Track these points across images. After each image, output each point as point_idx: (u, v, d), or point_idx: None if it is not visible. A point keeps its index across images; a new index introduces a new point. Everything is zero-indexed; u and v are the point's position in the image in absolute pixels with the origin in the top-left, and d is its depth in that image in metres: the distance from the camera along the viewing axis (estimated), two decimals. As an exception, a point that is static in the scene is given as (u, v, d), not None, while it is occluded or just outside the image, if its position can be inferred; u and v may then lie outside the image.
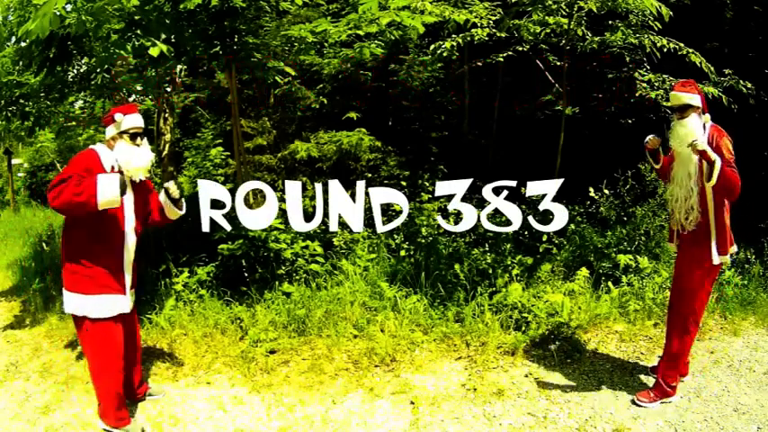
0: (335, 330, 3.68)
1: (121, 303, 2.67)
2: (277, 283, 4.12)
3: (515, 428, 2.77)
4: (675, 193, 2.92)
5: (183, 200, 2.93)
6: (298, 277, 4.19)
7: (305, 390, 3.16)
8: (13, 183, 11.09)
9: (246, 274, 4.14)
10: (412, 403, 2.99)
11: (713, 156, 2.64)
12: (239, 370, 3.36)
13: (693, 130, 2.72)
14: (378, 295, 4.02)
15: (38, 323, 4.20)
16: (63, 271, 2.65)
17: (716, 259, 2.82)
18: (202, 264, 4.33)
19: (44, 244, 5.81)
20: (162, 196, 2.89)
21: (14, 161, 11.51)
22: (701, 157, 2.69)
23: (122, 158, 2.62)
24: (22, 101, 4.66)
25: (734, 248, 2.91)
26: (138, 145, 2.67)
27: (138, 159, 2.65)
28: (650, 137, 3.02)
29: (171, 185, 2.85)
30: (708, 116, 2.81)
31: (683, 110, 2.81)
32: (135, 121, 2.68)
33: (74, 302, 2.61)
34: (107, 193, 2.40)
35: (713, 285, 3.03)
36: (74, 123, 5.54)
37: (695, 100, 2.78)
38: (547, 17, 4.77)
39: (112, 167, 2.60)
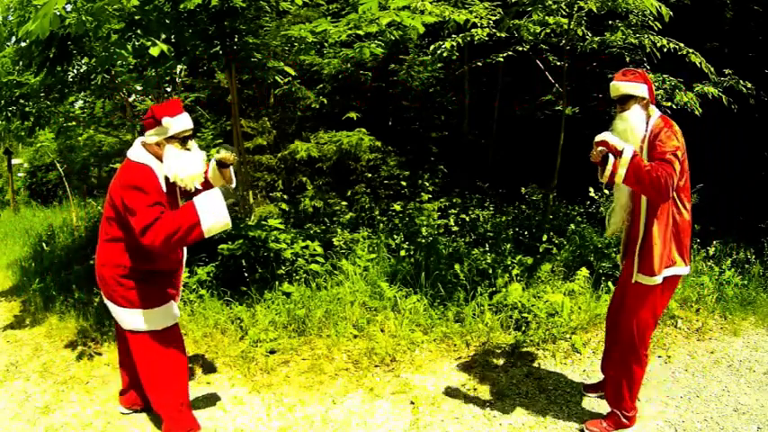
0: (335, 330, 3.68)
1: (176, 306, 2.59)
2: (277, 283, 4.11)
3: (515, 428, 2.76)
4: (618, 197, 2.61)
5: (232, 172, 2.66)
6: (298, 277, 4.19)
7: (305, 390, 3.16)
8: (13, 183, 11.09)
9: (246, 274, 4.14)
10: (412, 403, 2.99)
11: (620, 145, 2.33)
12: (239, 370, 3.36)
13: (634, 125, 2.42)
14: (378, 295, 4.02)
15: (38, 323, 4.20)
16: (113, 286, 2.45)
17: (633, 276, 2.47)
18: (202, 264, 4.32)
19: (44, 244, 5.81)
20: (211, 171, 2.61)
21: (14, 161, 11.50)
22: (605, 149, 2.39)
23: (175, 167, 2.34)
24: (22, 101, 4.66)
25: (674, 270, 2.46)
26: (189, 149, 2.40)
27: (192, 166, 2.37)
28: (594, 151, 2.51)
29: (228, 154, 2.55)
30: (654, 108, 2.50)
31: (624, 101, 2.48)
32: (185, 123, 2.39)
33: (137, 319, 2.43)
34: (212, 218, 2.19)
35: (660, 310, 2.57)
36: (74, 123, 5.55)
37: (638, 90, 2.45)
38: (547, 17, 4.77)
39: (166, 178, 2.38)
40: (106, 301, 2.56)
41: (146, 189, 2.28)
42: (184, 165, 2.36)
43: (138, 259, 2.43)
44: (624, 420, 2.65)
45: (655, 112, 2.48)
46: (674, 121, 2.45)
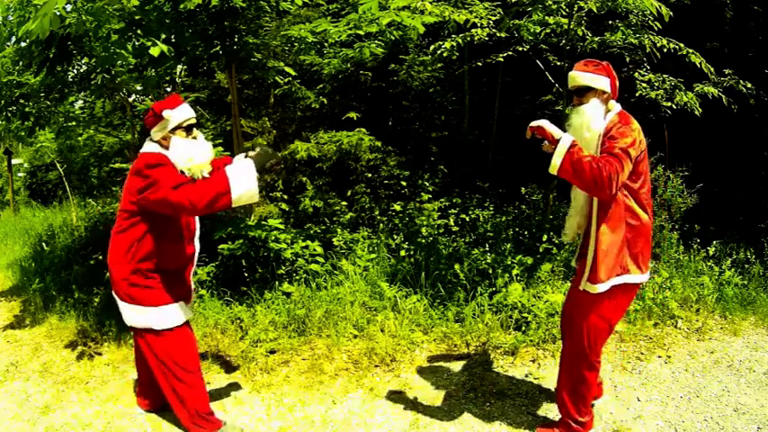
0: (335, 330, 3.68)
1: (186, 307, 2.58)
2: (277, 283, 4.12)
3: (515, 428, 2.76)
4: (575, 197, 2.47)
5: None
6: (298, 277, 4.19)
7: (305, 390, 3.16)
8: (13, 183, 11.09)
9: (246, 274, 4.14)
10: (412, 403, 2.99)
11: (557, 133, 2.17)
12: (239, 370, 3.36)
13: (590, 119, 2.23)
14: (378, 295, 4.02)
15: (38, 323, 4.20)
16: (119, 281, 2.43)
17: (582, 283, 2.32)
18: (202, 264, 4.32)
19: (44, 244, 5.81)
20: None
21: (14, 161, 11.50)
22: (542, 137, 2.25)
23: (183, 157, 2.34)
24: (22, 101, 4.66)
25: (625, 278, 2.29)
26: (195, 137, 2.42)
27: (200, 154, 2.37)
28: (544, 142, 2.35)
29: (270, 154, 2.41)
30: (615, 104, 2.32)
31: (582, 93, 2.30)
32: (186, 112, 2.41)
33: (138, 316, 2.43)
34: (242, 188, 2.17)
35: (614, 318, 2.42)
36: (74, 123, 5.55)
37: (598, 82, 2.26)
38: (547, 17, 4.77)
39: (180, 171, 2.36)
40: (114, 294, 2.54)
41: (167, 163, 2.31)
42: (192, 153, 2.35)
43: (147, 255, 2.41)
44: (576, 426, 2.55)
45: (615, 107, 2.31)
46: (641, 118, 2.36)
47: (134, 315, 2.46)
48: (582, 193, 2.37)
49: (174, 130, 2.38)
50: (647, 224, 2.32)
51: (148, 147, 2.42)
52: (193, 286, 2.67)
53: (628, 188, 2.26)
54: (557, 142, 2.17)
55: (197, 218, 2.60)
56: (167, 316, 2.46)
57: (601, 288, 2.27)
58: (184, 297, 2.58)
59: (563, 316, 2.64)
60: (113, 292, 2.53)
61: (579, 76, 2.30)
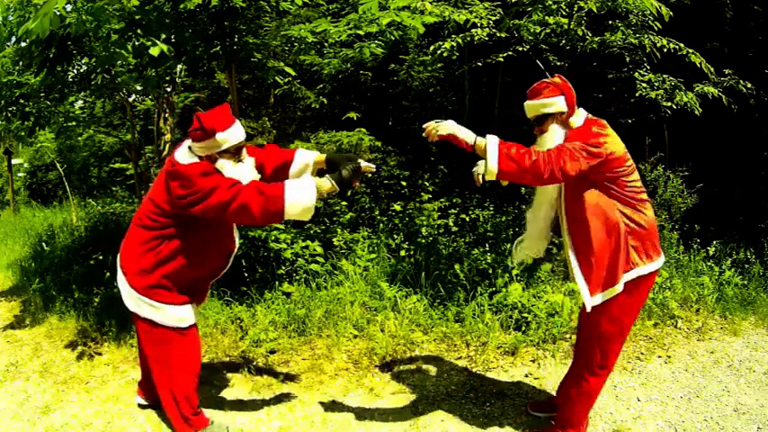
0: (335, 330, 3.68)
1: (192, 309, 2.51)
2: (277, 283, 4.12)
3: (515, 428, 2.76)
4: (534, 215, 2.41)
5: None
6: (298, 277, 4.19)
7: (305, 390, 3.16)
8: (13, 183, 11.09)
9: (246, 274, 4.14)
10: (412, 403, 2.99)
11: (470, 137, 2.09)
12: (239, 370, 3.36)
13: (552, 145, 2.15)
14: (378, 295, 4.02)
15: (38, 323, 4.20)
16: (137, 278, 2.33)
17: (588, 301, 2.19)
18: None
19: (44, 244, 5.81)
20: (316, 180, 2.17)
21: (14, 161, 11.50)
22: (451, 143, 2.14)
23: None
24: (22, 101, 4.66)
25: (637, 272, 2.19)
26: (242, 160, 2.25)
27: (246, 179, 2.19)
28: (428, 132, 2.22)
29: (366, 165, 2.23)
30: (577, 117, 2.21)
31: (541, 122, 2.23)
32: (239, 134, 2.21)
33: (174, 313, 2.38)
34: (299, 206, 2.02)
35: (629, 320, 2.32)
36: (74, 123, 5.55)
37: (553, 106, 2.18)
38: (547, 17, 4.77)
39: None
40: (121, 278, 2.43)
41: (213, 171, 2.16)
42: (240, 178, 2.18)
43: (171, 256, 2.30)
44: None
45: (577, 121, 2.20)
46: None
47: (151, 311, 2.38)
48: (547, 205, 2.32)
49: (221, 153, 2.20)
50: (649, 218, 2.23)
51: (183, 156, 2.21)
52: (208, 294, 2.60)
53: (614, 188, 2.15)
54: (471, 147, 2.10)
55: (236, 236, 2.48)
56: (182, 315, 2.42)
57: (614, 291, 2.18)
58: (197, 301, 2.56)
59: (579, 319, 2.57)
60: (120, 275, 2.42)
61: (532, 105, 2.24)
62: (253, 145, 2.61)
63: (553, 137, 2.19)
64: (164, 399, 2.58)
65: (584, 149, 2.04)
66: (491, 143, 2.07)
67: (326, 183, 2.12)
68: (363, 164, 2.26)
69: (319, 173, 2.41)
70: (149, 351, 2.51)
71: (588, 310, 2.21)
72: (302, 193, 2.06)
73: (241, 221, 2.22)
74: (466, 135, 2.14)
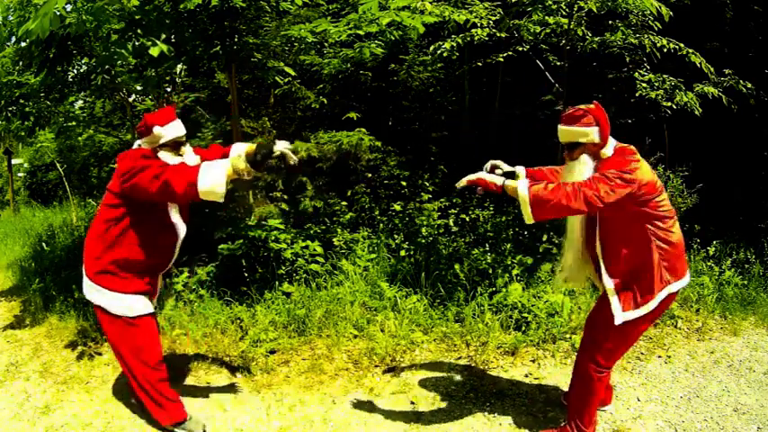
0: (335, 330, 3.68)
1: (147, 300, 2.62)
2: (277, 283, 4.12)
3: (515, 428, 2.76)
4: (570, 241, 2.44)
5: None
6: (298, 277, 4.19)
7: (305, 390, 3.16)
8: (13, 183, 11.09)
9: (246, 274, 4.14)
10: (412, 403, 2.99)
11: (498, 180, 2.17)
12: (239, 370, 3.36)
13: (580, 176, 2.17)
14: (378, 295, 4.02)
15: (38, 323, 4.20)
16: (94, 266, 2.50)
17: (618, 317, 2.25)
18: (202, 264, 4.32)
19: (44, 244, 5.81)
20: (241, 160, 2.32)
21: (14, 161, 11.49)
22: (481, 187, 2.22)
23: None
24: (22, 101, 4.66)
25: (670, 288, 2.24)
26: (181, 155, 2.46)
27: None
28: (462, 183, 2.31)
29: (287, 151, 2.38)
30: (608, 148, 2.22)
31: (572, 148, 2.24)
32: (176, 130, 2.44)
33: (98, 296, 2.50)
34: (212, 178, 2.17)
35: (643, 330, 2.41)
36: (74, 123, 5.55)
37: (586, 136, 2.18)
38: (547, 17, 4.77)
39: None
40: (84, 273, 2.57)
41: (152, 156, 2.38)
42: None
43: (125, 246, 2.45)
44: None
45: (608, 152, 2.21)
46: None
47: (88, 289, 2.54)
48: (578, 223, 2.35)
49: (161, 147, 2.43)
50: (678, 238, 2.28)
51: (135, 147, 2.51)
52: (160, 285, 2.72)
53: (646, 210, 2.17)
54: (500, 189, 2.17)
55: (182, 227, 2.60)
56: (125, 304, 2.51)
57: (647, 309, 2.23)
58: (150, 292, 2.63)
59: (588, 323, 2.56)
60: (83, 270, 2.57)
61: (566, 131, 2.24)
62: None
63: (582, 168, 2.20)
64: (133, 386, 2.66)
65: (619, 177, 2.06)
66: (521, 189, 2.09)
67: (241, 163, 2.26)
68: (279, 148, 2.37)
69: None
70: (109, 339, 2.63)
71: (617, 323, 2.25)
72: (215, 169, 2.21)
73: (167, 198, 2.36)
74: (494, 179, 2.21)
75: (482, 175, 2.25)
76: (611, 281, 2.27)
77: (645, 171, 2.13)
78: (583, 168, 2.20)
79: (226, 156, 2.58)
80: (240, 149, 2.59)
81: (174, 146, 2.45)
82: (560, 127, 2.27)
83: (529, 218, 2.10)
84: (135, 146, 2.52)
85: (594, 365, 2.39)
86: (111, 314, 2.52)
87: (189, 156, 2.49)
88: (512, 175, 2.56)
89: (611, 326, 2.29)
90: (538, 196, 2.07)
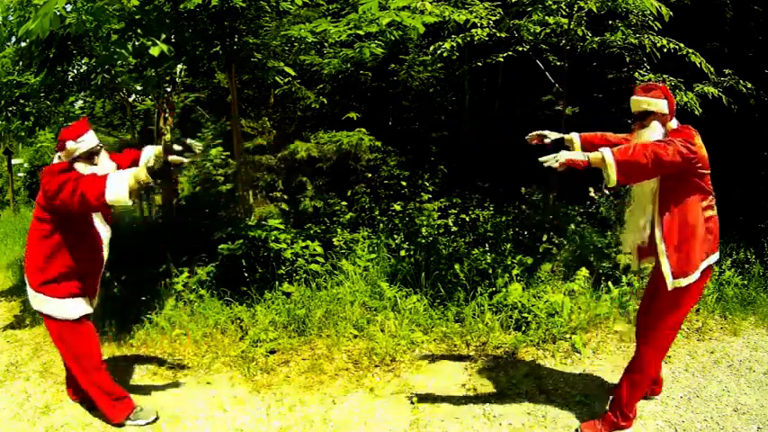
0: (335, 330, 3.68)
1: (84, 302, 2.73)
2: (277, 283, 4.11)
3: (515, 428, 2.76)
4: (636, 197, 2.60)
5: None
6: (298, 277, 4.19)
7: (305, 390, 3.16)
8: (13, 183, 11.09)
9: (246, 274, 4.14)
10: (412, 403, 2.99)
11: (584, 157, 2.28)
12: (239, 370, 3.36)
13: (650, 139, 2.38)
14: (378, 295, 4.02)
15: (38, 323, 4.20)
16: (32, 270, 2.62)
17: (669, 282, 2.43)
18: (202, 264, 4.32)
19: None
20: (152, 159, 2.68)
21: (14, 161, 11.51)
22: (573, 167, 2.32)
23: None
24: (22, 101, 4.67)
25: (709, 260, 2.48)
26: (95, 164, 2.60)
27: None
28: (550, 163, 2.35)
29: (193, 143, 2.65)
30: (674, 122, 2.45)
31: (644, 117, 2.44)
32: (86, 143, 2.58)
33: (42, 303, 2.61)
34: (116, 190, 2.32)
35: (692, 305, 2.59)
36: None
37: (658, 105, 2.40)
38: (547, 17, 4.77)
39: None
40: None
41: (71, 169, 2.52)
42: None
43: (60, 257, 2.58)
44: (622, 422, 2.63)
45: (673, 125, 2.44)
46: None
47: (47, 305, 2.62)
48: (643, 197, 2.51)
49: (76, 159, 2.56)
50: (716, 216, 2.50)
51: (56, 160, 2.63)
52: (98, 289, 2.84)
53: (702, 185, 2.41)
54: (587, 164, 2.28)
55: (104, 230, 2.76)
56: (68, 308, 2.62)
57: (690, 279, 2.42)
58: (89, 295, 2.74)
59: (639, 317, 2.75)
60: (27, 282, 2.69)
61: (638, 100, 2.44)
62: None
63: (653, 132, 2.40)
64: (86, 389, 2.75)
65: (686, 146, 2.27)
66: (606, 156, 2.24)
67: (142, 174, 2.38)
68: (173, 157, 2.59)
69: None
70: (58, 346, 2.73)
71: (669, 289, 2.44)
72: (120, 180, 2.36)
73: (86, 209, 2.52)
74: (580, 157, 2.32)
75: (570, 155, 2.32)
76: (664, 244, 2.44)
77: (702, 147, 2.36)
78: (653, 133, 2.40)
79: (137, 160, 2.80)
80: (149, 153, 2.82)
81: (89, 157, 2.58)
82: (633, 98, 2.48)
83: (613, 181, 2.26)
84: (55, 159, 2.65)
85: (654, 351, 2.57)
86: (57, 320, 2.63)
87: (104, 163, 2.63)
88: (560, 142, 2.78)
89: (666, 299, 2.48)
90: (625, 158, 2.23)
